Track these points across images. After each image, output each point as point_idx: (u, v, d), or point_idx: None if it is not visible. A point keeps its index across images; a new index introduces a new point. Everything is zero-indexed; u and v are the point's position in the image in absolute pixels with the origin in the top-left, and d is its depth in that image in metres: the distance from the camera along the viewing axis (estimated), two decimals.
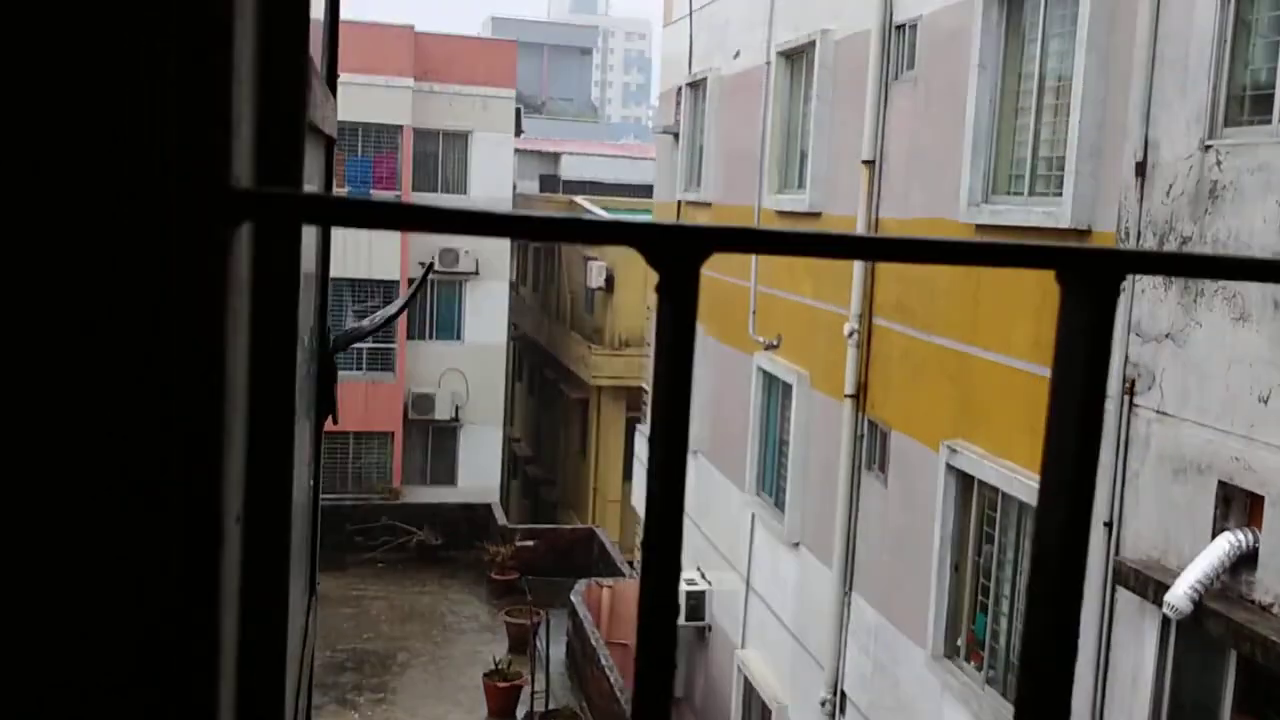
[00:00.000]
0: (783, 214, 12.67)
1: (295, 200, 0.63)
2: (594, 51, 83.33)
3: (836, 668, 11.16)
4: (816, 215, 11.91)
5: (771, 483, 13.23)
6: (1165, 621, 6.57)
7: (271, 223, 0.73)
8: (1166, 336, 6.78)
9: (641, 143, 52.94)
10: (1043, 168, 8.35)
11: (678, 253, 0.58)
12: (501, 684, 17.12)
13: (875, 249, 0.66)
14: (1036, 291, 7.87)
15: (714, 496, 14.67)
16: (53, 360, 0.57)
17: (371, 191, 24.96)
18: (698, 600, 14.71)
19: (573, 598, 18.76)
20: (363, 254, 24.38)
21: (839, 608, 11.11)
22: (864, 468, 10.82)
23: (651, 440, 0.59)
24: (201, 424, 0.59)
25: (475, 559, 22.77)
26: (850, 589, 11.00)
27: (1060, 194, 7.83)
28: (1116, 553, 7.03)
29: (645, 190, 29.28)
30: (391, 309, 4.11)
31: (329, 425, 2.58)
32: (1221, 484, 6.28)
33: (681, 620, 12.58)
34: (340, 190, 18.54)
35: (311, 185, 1.72)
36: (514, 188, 29.03)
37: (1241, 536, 6.04)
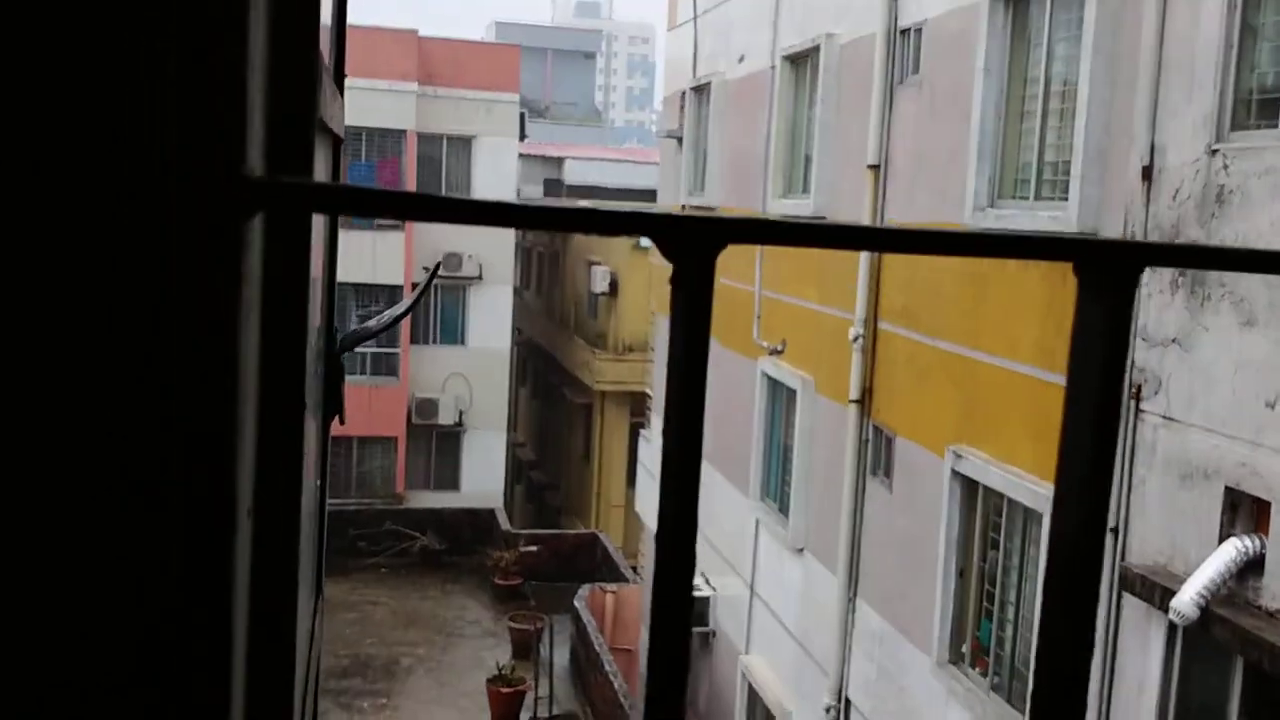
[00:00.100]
0: (787, 219, 12.65)
1: (309, 189, 0.62)
2: (598, 56, 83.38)
3: (841, 674, 11.14)
4: (821, 220, 11.90)
5: (776, 488, 13.21)
6: (1171, 628, 6.54)
7: (285, 213, 0.72)
8: (1173, 341, 6.76)
9: (645, 147, 53.01)
10: (1048, 172, 8.33)
11: (694, 244, 0.58)
12: (505, 690, 17.09)
13: (894, 241, 0.65)
14: (1042, 296, 7.85)
15: (718, 502, 14.64)
16: (64, 352, 0.57)
17: None
18: (702, 606, 14.69)
19: (576, 603, 18.73)
20: (367, 258, 24.39)
21: (843, 613, 11.08)
22: (869, 473, 10.80)
23: (666, 434, 0.58)
24: (214, 412, 0.59)
25: (478, 564, 22.77)
26: (855, 595, 10.97)
27: (1066, 198, 7.82)
28: (1123, 558, 7.00)
29: (649, 195, 29.28)
30: (398, 309, 4.11)
31: (335, 428, 2.58)
32: (1228, 490, 6.25)
33: None
34: None
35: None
36: (518, 192, 29.07)
37: (1248, 542, 6.02)
